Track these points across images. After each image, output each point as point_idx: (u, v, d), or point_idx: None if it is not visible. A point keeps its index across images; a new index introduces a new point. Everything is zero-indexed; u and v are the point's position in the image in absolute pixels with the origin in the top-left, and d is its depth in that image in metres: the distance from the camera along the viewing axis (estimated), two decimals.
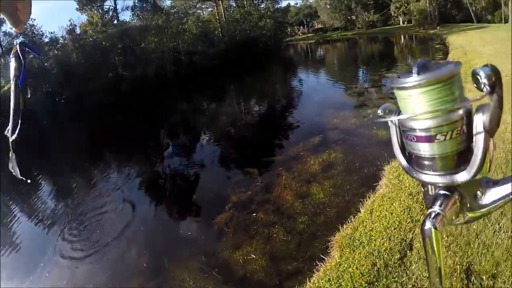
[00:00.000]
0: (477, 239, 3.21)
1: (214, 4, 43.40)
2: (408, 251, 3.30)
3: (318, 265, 3.59)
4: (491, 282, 2.73)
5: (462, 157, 0.64)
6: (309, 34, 71.05)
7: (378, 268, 3.18)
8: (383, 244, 3.45)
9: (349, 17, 68.25)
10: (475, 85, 0.60)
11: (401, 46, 36.75)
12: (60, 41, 24.51)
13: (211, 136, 10.44)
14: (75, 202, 7.21)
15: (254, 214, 5.15)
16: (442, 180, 0.67)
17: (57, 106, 19.12)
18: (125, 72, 23.45)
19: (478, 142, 0.61)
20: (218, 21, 39.54)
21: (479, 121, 0.61)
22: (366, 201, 4.42)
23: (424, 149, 0.66)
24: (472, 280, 2.79)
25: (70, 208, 6.97)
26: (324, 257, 3.67)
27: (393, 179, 4.70)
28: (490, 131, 0.61)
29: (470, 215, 0.71)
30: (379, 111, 0.76)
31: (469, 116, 0.62)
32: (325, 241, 4.00)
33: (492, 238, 3.19)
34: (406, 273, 3.06)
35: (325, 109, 10.35)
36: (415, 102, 0.61)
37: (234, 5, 51.88)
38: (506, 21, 47.58)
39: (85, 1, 29.45)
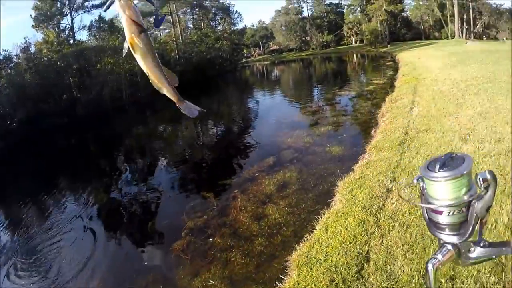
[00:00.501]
0: (432, 244, 3.27)
1: (172, 26, 43.35)
2: (365, 264, 3.32)
3: (277, 286, 3.55)
4: (450, 284, 2.78)
5: (461, 226, 0.95)
6: (265, 55, 72.16)
7: (336, 283, 3.17)
8: (339, 259, 3.45)
9: (303, 38, 70.26)
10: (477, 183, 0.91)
11: (353, 64, 38.10)
12: (14, 59, 23.32)
13: (167, 159, 10.26)
14: (26, 235, 6.73)
15: (210, 239, 5.03)
16: (447, 239, 0.99)
17: (9, 129, 18.11)
18: (80, 95, 22.64)
19: (471, 219, 0.92)
20: (175, 42, 39.45)
21: (474, 207, 0.91)
22: (321, 218, 4.43)
23: (436, 217, 0.97)
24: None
25: (20, 241, 6.47)
26: (283, 277, 3.64)
27: (347, 194, 4.77)
28: (481, 215, 0.91)
29: (463, 262, 1.01)
30: (414, 181, 1.08)
31: (469, 203, 0.91)
32: (283, 261, 3.96)
33: None
34: (365, 285, 3.07)
35: (280, 128, 10.47)
36: (437, 189, 0.94)
37: (191, 26, 52.24)
38: (452, 37, 50.87)
39: (42, 18, 28.31)
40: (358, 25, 61.57)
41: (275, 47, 74.32)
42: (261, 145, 9.50)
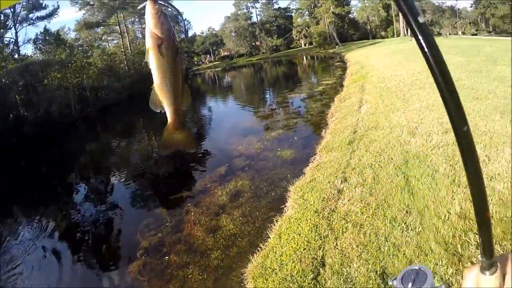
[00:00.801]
0: (386, 242, 3.28)
1: (120, 36, 42.28)
2: (321, 269, 3.27)
3: None
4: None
5: None
6: (216, 62, 71.95)
7: None
8: (294, 267, 3.39)
9: (253, 43, 70.81)
10: None
11: (304, 66, 38.77)
12: None
13: (121, 176, 9.87)
14: None
15: (166, 257, 4.84)
16: None
17: None
18: (28, 113, 21.39)
19: None
20: (124, 53, 38.50)
21: None
22: (275, 225, 4.38)
23: None
24: (389, 283, 2.81)
25: None
26: None
27: (298, 199, 4.74)
28: None
29: None
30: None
31: None
32: (240, 273, 3.86)
33: (401, 238, 3.28)
34: None
35: (232, 136, 10.38)
36: None
37: (140, 36, 51.17)
38: (398, 35, 53.18)
39: None
40: (306, 28, 62.84)
41: (226, 53, 74.34)
42: (213, 154, 9.35)
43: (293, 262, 3.49)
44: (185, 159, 9.78)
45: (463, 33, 52.39)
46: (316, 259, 3.43)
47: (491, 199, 3.52)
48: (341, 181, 4.78)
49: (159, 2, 0.95)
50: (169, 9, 1.05)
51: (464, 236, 3.09)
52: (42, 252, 6.20)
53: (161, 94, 1.03)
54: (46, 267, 5.66)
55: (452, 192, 3.83)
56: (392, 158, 5.18)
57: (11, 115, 20.81)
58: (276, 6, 70.72)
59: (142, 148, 13.02)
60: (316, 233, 3.75)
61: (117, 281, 4.87)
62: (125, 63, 36.25)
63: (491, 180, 3.92)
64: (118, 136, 17.21)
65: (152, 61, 0.99)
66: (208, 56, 75.51)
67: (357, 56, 25.99)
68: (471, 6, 61.36)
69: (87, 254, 5.97)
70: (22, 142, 17.89)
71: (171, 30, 0.96)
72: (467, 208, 3.47)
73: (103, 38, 45.45)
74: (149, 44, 0.96)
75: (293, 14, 68.90)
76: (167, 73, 1.00)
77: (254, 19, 70.74)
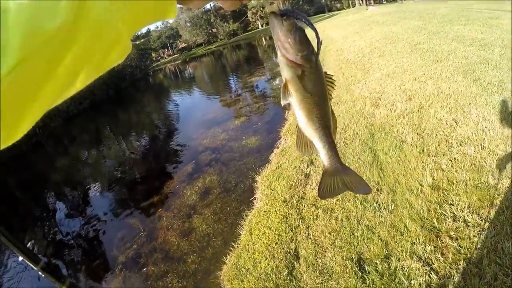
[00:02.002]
0: (359, 226, 3.17)
1: None
2: (295, 263, 3.14)
3: None
4: (386, 264, 2.67)
5: None
6: (175, 55, 70.95)
7: None
8: (268, 264, 3.25)
9: (210, 31, 69.97)
10: None
11: (263, 47, 38.50)
12: None
13: (94, 188, 9.42)
14: None
15: (144, 268, 4.67)
16: None
17: None
18: None
19: None
20: None
21: None
22: (245, 221, 4.24)
23: None
24: (366, 269, 2.70)
25: None
26: None
27: (266, 189, 4.59)
28: None
29: None
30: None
31: None
32: (217, 276, 3.75)
33: (374, 219, 3.17)
34: (300, 286, 2.94)
35: (197, 130, 10.11)
36: None
37: None
38: (354, 6, 53.49)
39: None
40: (261, 8, 62.42)
41: (184, 45, 73.33)
42: (180, 152, 9.08)
43: (266, 259, 3.36)
44: (154, 161, 9.55)
45: None
46: (289, 252, 3.31)
47: (463, 165, 3.43)
48: (307, 164, 4.63)
49: (290, 14, 0.70)
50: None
51: (440, 209, 2.98)
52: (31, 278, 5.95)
53: (310, 134, 0.81)
54: None
55: (422, 162, 3.73)
56: (357, 133, 5.07)
57: None
58: None
59: (112, 154, 12.63)
60: (287, 225, 3.60)
61: None
62: None
63: (461, 144, 3.83)
64: (86, 146, 16.68)
65: (294, 98, 0.75)
66: (166, 50, 74.31)
67: None
68: None
69: (69, 276, 5.71)
70: None
71: (313, 51, 0.72)
72: (439, 178, 3.38)
73: None
74: (287, 75, 0.72)
75: None
76: (314, 109, 0.77)
77: (208, 6, 69.65)
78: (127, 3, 0.42)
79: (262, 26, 66.10)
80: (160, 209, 6.02)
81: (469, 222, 2.74)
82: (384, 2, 46.90)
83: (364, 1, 50.03)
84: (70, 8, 0.36)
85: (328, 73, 0.78)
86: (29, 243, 7.24)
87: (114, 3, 0.40)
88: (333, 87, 0.81)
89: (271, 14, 0.70)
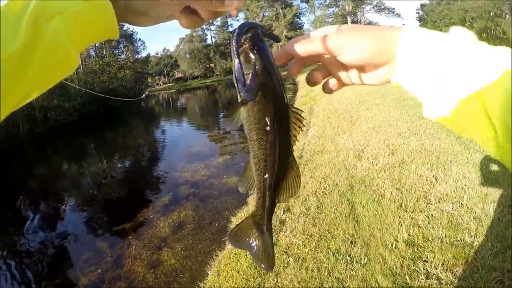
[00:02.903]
0: (330, 277, 3.13)
1: None
2: None
3: None
4: None
5: None
6: (170, 84, 71.50)
7: None
8: None
9: (208, 65, 71.16)
10: None
11: None
12: None
13: (69, 203, 9.17)
14: None
15: None
16: None
17: None
18: None
19: None
20: (75, 72, 37.27)
21: None
22: (215, 261, 4.21)
23: None
24: None
25: None
26: None
27: None
28: None
29: None
30: None
31: None
32: None
33: (345, 272, 3.15)
34: None
35: (180, 162, 10.09)
36: None
37: (94, 54, 50.02)
38: None
39: None
40: None
41: (180, 75, 74.20)
42: (159, 182, 8.96)
43: None
44: (134, 186, 9.44)
45: None
46: None
47: (440, 222, 3.48)
48: (284, 211, 4.64)
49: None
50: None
51: (413, 265, 2.98)
52: None
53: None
54: None
55: (399, 217, 3.76)
56: (337, 184, 5.12)
57: None
58: (230, 29, 71.65)
59: (92, 173, 12.43)
60: (256, 270, 3.51)
61: None
62: (77, 82, 35.04)
63: (439, 201, 3.92)
64: (68, 159, 16.40)
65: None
66: (162, 77, 74.94)
67: None
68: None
69: None
70: None
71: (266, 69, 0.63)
72: (415, 234, 3.40)
73: None
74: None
75: None
76: (259, 150, 0.67)
77: (209, 41, 71.39)
78: (74, 25, 0.46)
79: None
80: (131, 237, 5.90)
81: (442, 280, 2.75)
82: None
83: None
84: (28, 33, 0.42)
85: (295, 106, 0.68)
86: None
87: (64, 25, 0.45)
88: (300, 126, 0.69)
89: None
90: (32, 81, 0.47)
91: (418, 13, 62.20)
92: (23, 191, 11.64)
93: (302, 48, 0.62)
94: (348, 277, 3.10)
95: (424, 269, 2.93)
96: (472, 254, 2.96)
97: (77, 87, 32.71)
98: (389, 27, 0.58)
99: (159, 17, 0.60)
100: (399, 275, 2.95)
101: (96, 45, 52.52)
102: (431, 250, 3.14)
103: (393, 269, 3.03)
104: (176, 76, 75.11)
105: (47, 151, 19.44)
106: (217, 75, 69.22)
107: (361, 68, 0.65)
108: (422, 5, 60.46)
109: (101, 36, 0.52)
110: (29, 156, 18.80)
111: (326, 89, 0.71)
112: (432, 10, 56.13)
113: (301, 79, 29.11)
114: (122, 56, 52.51)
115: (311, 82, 0.72)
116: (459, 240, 3.18)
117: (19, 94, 0.47)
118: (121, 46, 56.67)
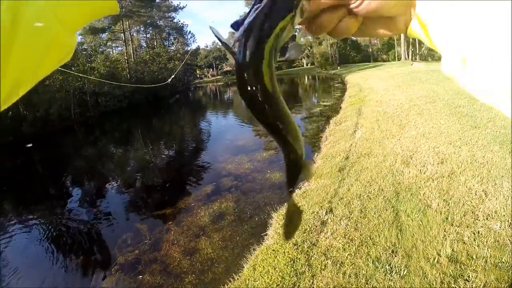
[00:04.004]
0: (367, 285, 3.04)
1: (124, 44, 42.54)
2: None
3: None
4: None
5: None
6: (218, 76, 72.42)
7: None
8: None
9: None
10: None
11: (305, 86, 38.88)
12: None
13: (112, 185, 9.59)
14: None
15: (140, 276, 4.64)
16: None
17: None
18: (26, 112, 21.20)
19: None
20: (126, 61, 38.62)
21: None
22: (252, 255, 4.16)
23: None
24: None
25: None
26: None
27: (279, 228, 4.50)
28: None
29: None
30: None
31: None
32: None
33: (383, 281, 3.05)
34: None
35: (225, 153, 10.13)
36: None
37: (145, 45, 51.63)
38: (399, 59, 53.60)
39: None
40: (309, 48, 63.40)
41: (229, 68, 74.87)
42: (203, 171, 9.13)
43: None
44: (177, 174, 9.61)
45: None
46: None
47: (486, 241, 3.29)
48: (326, 211, 4.54)
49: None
50: None
51: (454, 283, 2.84)
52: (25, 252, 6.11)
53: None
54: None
55: (444, 231, 3.60)
56: (382, 189, 4.96)
57: (9, 113, 20.66)
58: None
59: (137, 157, 12.81)
60: (292, 269, 3.48)
61: None
62: (128, 70, 36.29)
63: (487, 218, 3.70)
64: (115, 143, 17.07)
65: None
66: (211, 70, 76.09)
67: (357, 78, 25.99)
68: None
69: (66, 264, 5.72)
70: (19, 141, 17.79)
71: None
72: (459, 250, 3.24)
73: (107, 44, 45.76)
74: None
75: (296, 34, 69.64)
76: None
77: None
78: (60, 2, 0.41)
79: (307, 64, 67.08)
80: (170, 222, 6.01)
81: None
82: (429, 60, 46.65)
83: (410, 56, 50.04)
84: (6, 14, 0.37)
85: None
86: (34, 220, 7.43)
87: (48, 3, 0.40)
88: None
89: None
90: (16, 70, 0.40)
91: None
92: (71, 170, 12.21)
93: None
94: (386, 287, 3.00)
95: None
96: None
97: (128, 75, 33.96)
98: None
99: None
100: None
101: (147, 36, 54.34)
102: (474, 269, 2.98)
103: (433, 284, 2.90)
104: (225, 69, 75.85)
105: (96, 134, 20.32)
106: None
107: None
108: None
109: (96, 13, 0.46)
110: (79, 138, 19.73)
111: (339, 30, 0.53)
112: None
113: (350, 78, 28.58)
114: (172, 48, 53.72)
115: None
116: (503, 262, 2.99)
117: (4, 88, 0.40)
118: (171, 38, 58.07)
